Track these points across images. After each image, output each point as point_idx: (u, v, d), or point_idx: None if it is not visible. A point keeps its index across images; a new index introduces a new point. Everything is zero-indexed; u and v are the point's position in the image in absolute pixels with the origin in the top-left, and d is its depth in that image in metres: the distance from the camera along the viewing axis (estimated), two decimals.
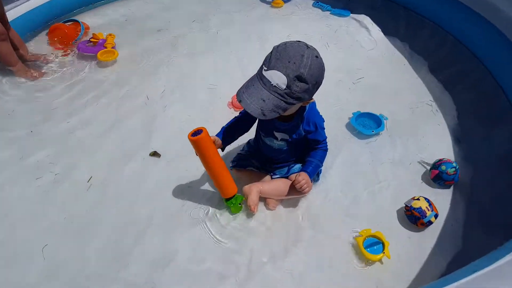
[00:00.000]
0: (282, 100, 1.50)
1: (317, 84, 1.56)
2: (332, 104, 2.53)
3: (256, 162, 2.07)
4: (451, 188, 2.02)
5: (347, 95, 2.63)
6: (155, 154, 2.25)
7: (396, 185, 2.05)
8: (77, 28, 3.27)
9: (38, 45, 3.18)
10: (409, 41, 3.07)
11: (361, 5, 3.56)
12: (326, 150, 1.91)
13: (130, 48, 3.14)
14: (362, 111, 2.42)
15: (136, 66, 2.97)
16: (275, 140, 1.87)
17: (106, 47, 3.02)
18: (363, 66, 2.86)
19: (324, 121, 1.86)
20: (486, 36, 2.78)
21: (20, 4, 3.18)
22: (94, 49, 3.01)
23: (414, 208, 1.82)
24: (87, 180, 2.12)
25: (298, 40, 1.55)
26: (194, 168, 2.12)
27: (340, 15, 3.44)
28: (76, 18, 3.39)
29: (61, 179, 2.14)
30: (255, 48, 3.09)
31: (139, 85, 2.78)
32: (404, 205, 1.89)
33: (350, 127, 2.38)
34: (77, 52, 3.06)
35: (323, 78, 1.59)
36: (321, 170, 2.06)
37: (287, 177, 1.96)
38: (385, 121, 2.36)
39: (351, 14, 3.39)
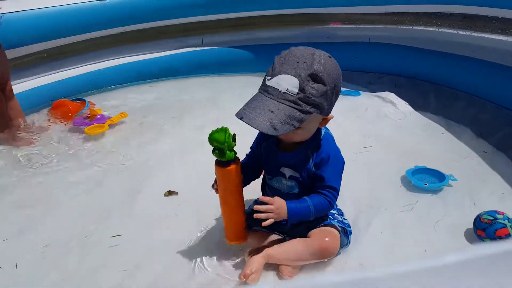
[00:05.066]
0: (295, 108, 1.15)
1: (335, 89, 1.23)
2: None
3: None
4: None
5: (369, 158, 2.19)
6: (170, 193, 1.92)
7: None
8: (82, 106, 3.09)
9: (40, 119, 2.96)
10: (443, 113, 2.67)
11: (384, 86, 3.25)
12: (329, 202, 1.37)
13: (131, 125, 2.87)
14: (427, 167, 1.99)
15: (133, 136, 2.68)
16: (283, 179, 1.42)
17: (105, 122, 2.76)
18: (391, 134, 2.45)
19: (343, 164, 1.40)
20: None
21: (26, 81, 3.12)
22: (88, 124, 2.76)
23: None
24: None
25: None
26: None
27: (349, 95, 3.03)
28: (84, 98, 3.23)
29: None
30: None
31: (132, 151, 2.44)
32: None
33: (386, 185, 1.90)
34: (72, 125, 2.82)
35: (341, 85, 1.26)
36: (351, 231, 1.52)
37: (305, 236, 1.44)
38: (450, 180, 1.87)
39: (377, 93, 3.02)
